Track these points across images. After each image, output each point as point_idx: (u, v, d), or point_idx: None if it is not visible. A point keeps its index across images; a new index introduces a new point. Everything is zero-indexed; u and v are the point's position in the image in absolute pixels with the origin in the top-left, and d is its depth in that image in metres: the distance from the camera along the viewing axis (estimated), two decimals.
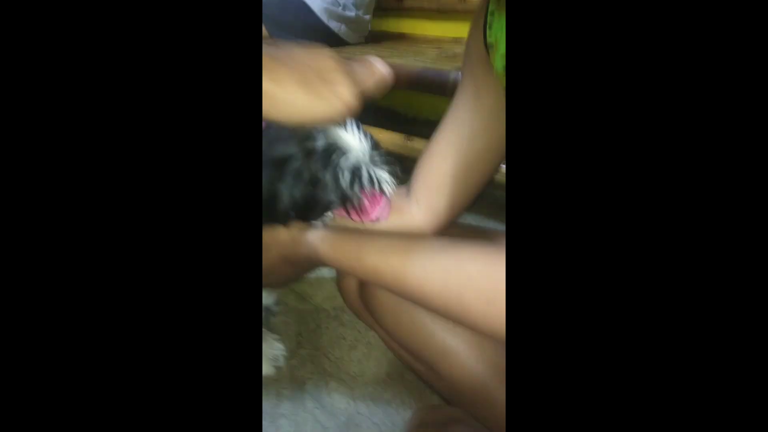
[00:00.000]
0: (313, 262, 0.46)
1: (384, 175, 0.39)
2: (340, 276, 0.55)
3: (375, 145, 0.40)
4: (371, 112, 1.66)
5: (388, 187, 0.40)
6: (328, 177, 0.38)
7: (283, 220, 0.41)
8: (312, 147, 0.38)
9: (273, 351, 0.63)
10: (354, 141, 0.38)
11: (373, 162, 0.39)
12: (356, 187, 0.39)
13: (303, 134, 0.38)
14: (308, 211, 0.40)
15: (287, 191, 0.38)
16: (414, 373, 0.55)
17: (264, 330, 0.64)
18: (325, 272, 0.81)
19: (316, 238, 0.44)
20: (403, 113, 1.59)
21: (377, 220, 0.44)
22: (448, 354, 0.47)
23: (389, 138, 0.99)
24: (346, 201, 0.40)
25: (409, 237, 0.44)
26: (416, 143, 0.95)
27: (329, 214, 0.42)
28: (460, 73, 0.51)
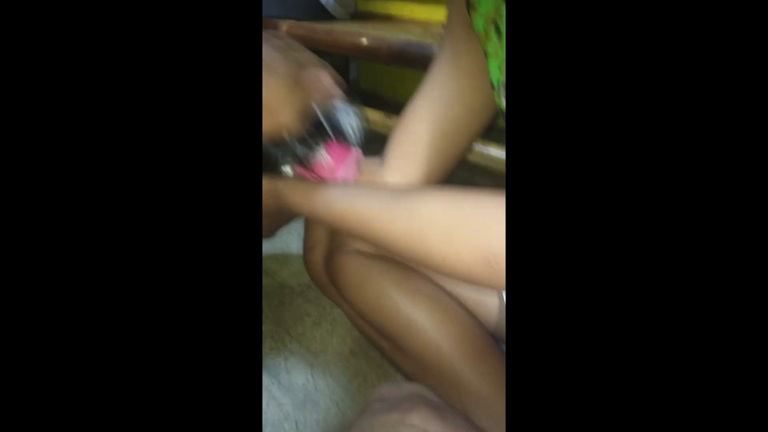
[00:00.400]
0: (286, 212, 0.45)
1: (350, 121, 0.37)
2: (306, 248, 0.53)
3: (347, 96, 0.38)
4: (353, 94, 1.63)
5: (353, 134, 0.38)
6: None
7: None
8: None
9: None
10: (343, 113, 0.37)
11: (338, 109, 0.36)
12: (318, 139, 0.36)
13: None
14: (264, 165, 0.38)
15: None
16: (378, 350, 0.53)
17: None
18: (293, 249, 0.78)
19: (287, 187, 0.43)
20: (387, 97, 1.56)
21: (344, 179, 0.41)
22: (412, 328, 0.45)
23: (370, 116, 0.96)
24: (307, 154, 0.37)
25: (378, 186, 0.42)
26: (395, 121, 0.93)
27: (287, 169, 0.40)
28: None
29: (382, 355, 0.55)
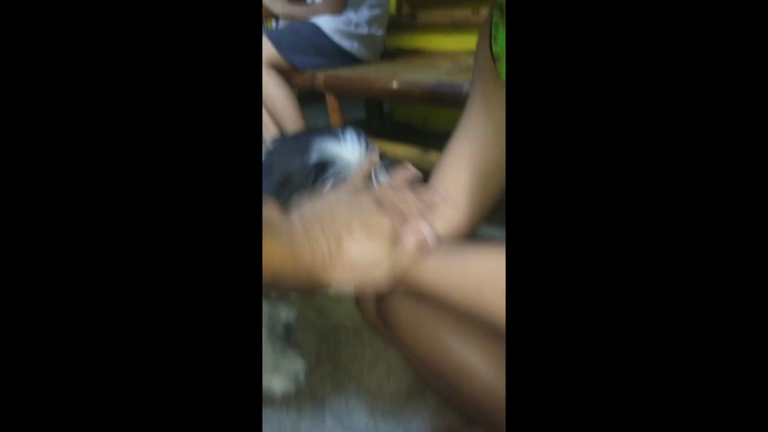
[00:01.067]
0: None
1: (383, 179, 0.40)
2: (358, 292, 0.55)
3: (375, 154, 0.41)
4: (387, 126, 1.69)
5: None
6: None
7: None
8: (306, 162, 0.39)
9: (293, 366, 0.63)
10: (348, 152, 0.39)
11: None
12: None
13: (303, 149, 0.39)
14: None
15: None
16: (435, 393, 0.54)
17: (284, 346, 0.65)
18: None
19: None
20: (421, 127, 1.60)
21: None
22: (467, 371, 0.46)
23: (405, 152, 0.99)
24: None
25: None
26: (433, 156, 0.96)
27: None
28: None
29: (438, 396, 0.56)
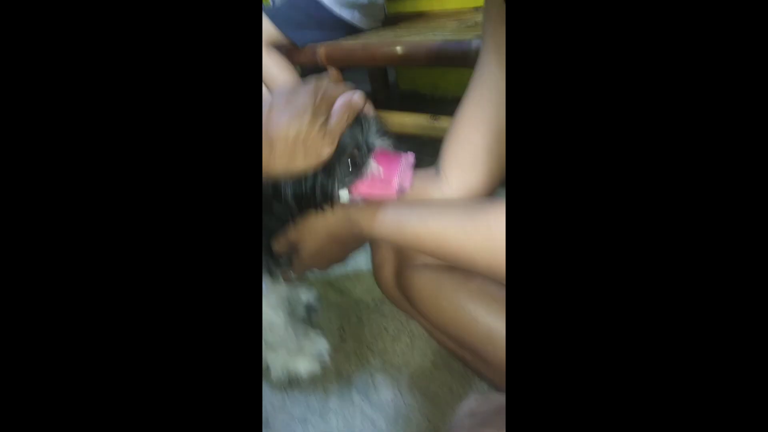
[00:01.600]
0: (358, 238, 0.46)
1: (376, 141, 0.39)
2: (376, 266, 0.54)
3: (373, 118, 0.40)
4: (394, 97, 1.64)
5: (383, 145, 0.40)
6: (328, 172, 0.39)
7: (287, 213, 0.42)
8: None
9: (317, 347, 0.63)
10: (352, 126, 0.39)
11: (368, 135, 0.39)
12: (361, 156, 0.39)
13: None
14: (314, 200, 0.40)
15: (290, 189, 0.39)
16: (460, 361, 0.53)
17: (307, 326, 0.65)
18: (363, 265, 0.81)
19: (358, 213, 0.44)
20: (429, 94, 1.54)
21: (402, 189, 0.42)
22: (493, 338, 0.44)
23: (413, 121, 0.96)
24: (357, 172, 0.40)
25: (446, 202, 0.43)
26: (443, 122, 0.91)
27: (344, 193, 0.42)
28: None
29: (465, 366, 0.55)
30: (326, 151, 0.37)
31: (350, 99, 0.38)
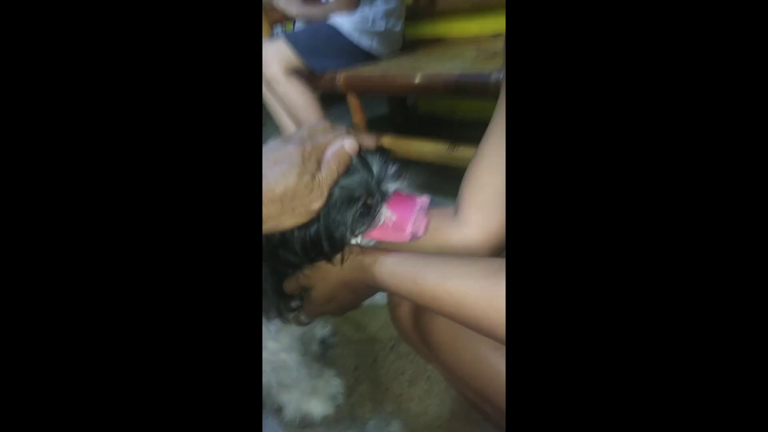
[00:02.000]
0: (372, 287, 0.44)
1: (391, 186, 0.37)
2: (392, 306, 0.52)
3: (386, 159, 0.39)
4: (412, 120, 1.64)
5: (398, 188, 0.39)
6: (339, 215, 0.38)
7: (297, 260, 0.41)
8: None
9: (331, 389, 0.61)
10: (361, 171, 0.37)
11: (380, 180, 0.37)
12: (370, 203, 0.37)
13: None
14: (322, 249, 0.39)
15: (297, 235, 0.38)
16: (480, 414, 0.50)
17: (321, 367, 0.63)
18: (379, 299, 0.79)
19: (373, 262, 0.42)
20: (447, 117, 1.54)
21: (415, 236, 0.40)
22: None
23: (432, 150, 0.95)
24: (369, 218, 0.38)
25: (467, 260, 0.40)
26: (461, 152, 0.90)
27: (357, 239, 0.40)
28: (501, 72, 0.46)
29: (485, 419, 0.52)
30: (316, 205, 0.35)
31: (341, 148, 0.36)
